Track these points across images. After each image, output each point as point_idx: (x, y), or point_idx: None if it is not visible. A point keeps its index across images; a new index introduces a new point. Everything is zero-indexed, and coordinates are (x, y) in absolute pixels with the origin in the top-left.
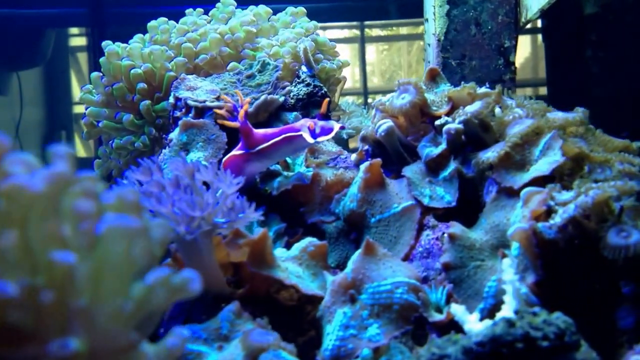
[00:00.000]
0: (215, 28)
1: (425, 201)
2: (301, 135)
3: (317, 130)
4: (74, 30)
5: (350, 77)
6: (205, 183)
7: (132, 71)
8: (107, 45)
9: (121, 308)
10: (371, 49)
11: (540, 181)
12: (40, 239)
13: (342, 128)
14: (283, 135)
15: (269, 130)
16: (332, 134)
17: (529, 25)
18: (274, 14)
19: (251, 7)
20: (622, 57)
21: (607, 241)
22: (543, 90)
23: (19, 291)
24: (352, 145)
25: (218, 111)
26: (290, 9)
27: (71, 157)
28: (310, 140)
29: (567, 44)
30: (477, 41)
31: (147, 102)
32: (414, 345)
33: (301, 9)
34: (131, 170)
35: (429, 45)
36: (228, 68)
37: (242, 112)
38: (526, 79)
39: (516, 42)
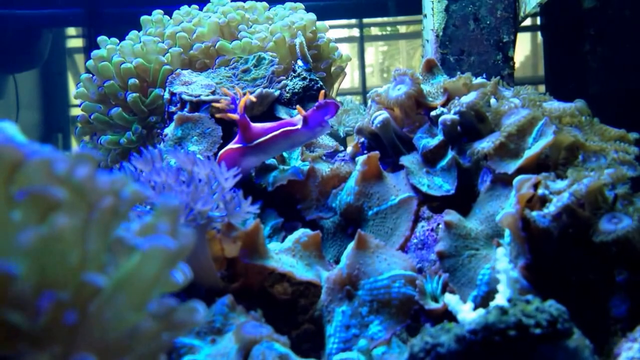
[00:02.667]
0: (209, 16)
1: (424, 189)
2: (299, 129)
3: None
4: (71, 31)
5: (349, 77)
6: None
7: (122, 66)
8: (101, 42)
9: (132, 326)
10: (370, 50)
11: (534, 167)
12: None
13: (336, 107)
14: (281, 130)
15: (267, 125)
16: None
17: (529, 23)
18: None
19: (249, 1)
20: (621, 52)
21: (598, 227)
22: (542, 89)
23: (47, 306)
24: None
25: (218, 105)
26: (289, 4)
27: (94, 161)
28: (295, 128)
29: (566, 38)
30: (475, 36)
31: (135, 94)
32: (408, 337)
33: (299, 5)
34: (134, 157)
35: (427, 41)
36: (218, 47)
37: (241, 104)
38: (526, 77)
39: (515, 37)
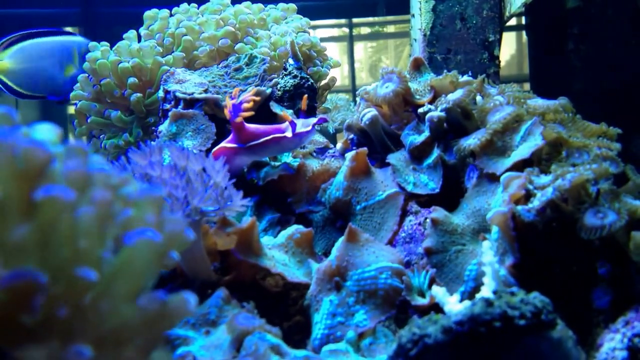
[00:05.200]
0: (215, 18)
1: (409, 188)
2: (286, 137)
3: (299, 127)
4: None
5: (339, 74)
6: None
7: (120, 65)
8: (92, 47)
9: (127, 318)
10: (359, 47)
11: (520, 166)
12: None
13: (324, 120)
14: (272, 136)
15: (260, 127)
16: (310, 127)
17: (514, 22)
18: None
19: (245, 2)
20: (603, 51)
21: (583, 222)
22: (527, 87)
23: (38, 305)
24: (340, 139)
25: (229, 102)
26: (282, 5)
27: (84, 153)
28: (289, 134)
29: (550, 37)
30: (462, 36)
31: (139, 95)
32: (396, 329)
33: (292, 6)
34: (132, 151)
35: (415, 40)
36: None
37: (244, 114)
38: (511, 75)
39: (500, 36)
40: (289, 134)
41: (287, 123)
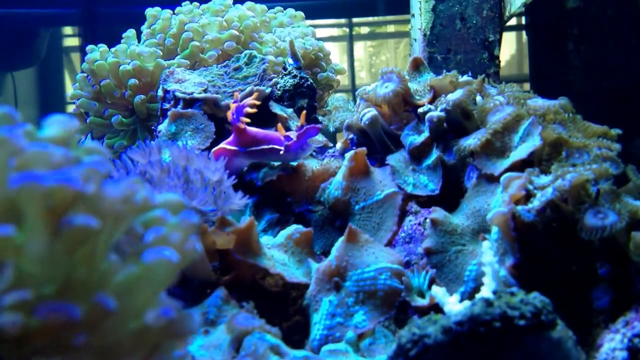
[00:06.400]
0: (218, 20)
1: (409, 189)
2: (282, 152)
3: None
4: (68, 30)
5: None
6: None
7: (121, 68)
8: (89, 50)
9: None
10: (359, 46)
11: (519, 166)
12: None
13: (318, 130)
14: (270, 146)
15: (261, 132)
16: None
17: (514, 22)
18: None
19: (248, 3)
20: (603, 51)
21: (584, 222)
22: (527, 87)
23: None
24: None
25: (232, 105)
26: (290, 12)
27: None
28: (283, 151)
29: (550, 37)
30: (462, 35)
31: (143, 97)
32: (396, 329)
33: (300, 14)
34: (130, 150)
35: (415, 40)
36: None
37: (245, 119)
38: (511, 75)
39: (500, 36)
40: (282, 150)
41: (286, 133)
